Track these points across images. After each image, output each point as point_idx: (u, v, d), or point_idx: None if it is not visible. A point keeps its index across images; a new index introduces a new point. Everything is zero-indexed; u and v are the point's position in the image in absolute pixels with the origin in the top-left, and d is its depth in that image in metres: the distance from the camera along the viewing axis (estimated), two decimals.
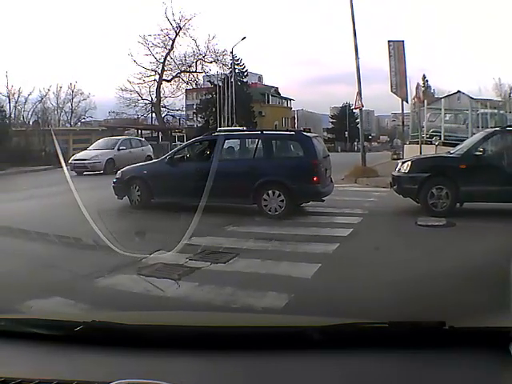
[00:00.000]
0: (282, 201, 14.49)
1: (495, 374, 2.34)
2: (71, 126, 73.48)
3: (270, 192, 14.60)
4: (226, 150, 16.26)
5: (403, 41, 31.28)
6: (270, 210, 14.55)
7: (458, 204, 14.56)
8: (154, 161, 19.29)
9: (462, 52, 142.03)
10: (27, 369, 2.49)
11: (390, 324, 2.62)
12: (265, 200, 14.64)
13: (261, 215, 14.30)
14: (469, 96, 56.56)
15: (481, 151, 14.63)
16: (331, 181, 16.48)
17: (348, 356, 2.48)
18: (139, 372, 2.36)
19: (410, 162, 15.45)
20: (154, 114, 74.92)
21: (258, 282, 7.94)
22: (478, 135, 16.54)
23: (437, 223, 12.96)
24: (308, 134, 16.34)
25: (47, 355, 2.63)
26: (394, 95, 31.18)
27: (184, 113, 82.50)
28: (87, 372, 2.44)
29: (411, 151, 27.66)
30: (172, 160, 16.30)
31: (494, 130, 16.40)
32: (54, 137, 36.38)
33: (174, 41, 71.98)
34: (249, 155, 16.44)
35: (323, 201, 15.43)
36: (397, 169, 15.69)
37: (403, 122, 34.19)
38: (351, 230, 12.24)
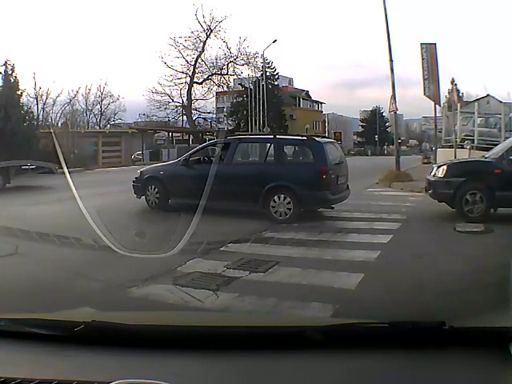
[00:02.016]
0: (290, 206, 14.45)
1: (495, 374, 2.35)
2: (100, 128, 73.82)
3: (277, 197, 14.59)
4: (239, 154, 16.39)
5: (435, 43, 30.85)
6: (278, 215, 14.52)
7: (492, 209, 14.24)
8: (170, 162, 19.35)
9: (489, 56, 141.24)
10: (27, 369, 2.48)
11: (390, 324, 2.62)
12: (273, 205, 14.62)
13: (270, 219, 14.21)
14: (498, 100, 55.90)
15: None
16: (347, 187, 16.36)
17: (348, 356, 2.49)
18: (139, 372, 2.37)
19: (445, 167, 15.19)
20: (184, 117, 75.05)
21: (300, 293, 7.60)
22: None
23: (475, 229, 12.66)
24: (320, 140, 16.13)
25: (47, 355, 2.63)
26: (426, 99, 30.78)
27: (215, 115, 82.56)
28: (87, 372, 2.44)
29: (444, 155, 27.36)
30: (187, 162, 16.49)
31: None
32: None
33: (204, 43, 72.11)
34: (260, 159, 16.48)
35: (333, 208, 15.52)
36: (432, 173, 15.49)
37: (436, 126, 33.75)
38: (391, 236, 11.92)
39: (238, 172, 15.39)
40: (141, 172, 17.47)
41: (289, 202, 14.48)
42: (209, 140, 67.88)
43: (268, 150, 15.87)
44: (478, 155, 24.02)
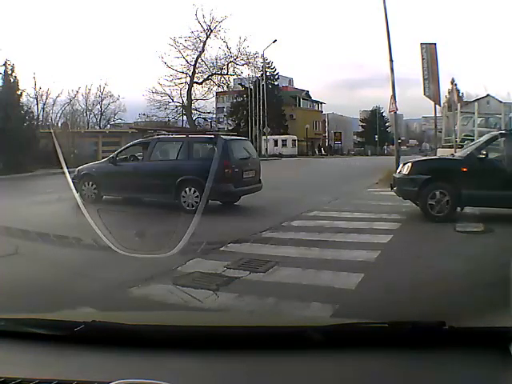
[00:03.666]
0: (197, 197, 15.92)
1: (495, 374, 2.34)
2: (100, 128, 73.77)
3: (188, 189, 16.33)
4: (157, 152, 18.01)
5: (435, 43, 30.88)
6: (186, 205, 16.23)
7: (458, 208, 14.45)
8: (102, 160, 20.94)
9: (489, 56, 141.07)
10: (27, 369, 2.48)
11: (390, 324, 2.62)
12: (183, 196, 16.37)
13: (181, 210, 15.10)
14: (498, 100, 55.88)
15: (484, 154, 14.42)
16: (259, 181, 18.15)
17: (348, 356, 2.49)
18: (139, 372, 2.36)
19: (410, 164, 15.29)
20: (184, 117, 75.08)
21: (300, 293, 7.57)
22: (483, 138, 16.36)
23: (475, 229, 12.65)
24: (225, 138, 18.22)
25: (47, 355, 2.63)
26: (426, 99, 30.78)
27: (215, 115, 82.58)
28: (87, 372, 2.44)
29: (445, 155, 27.36)
30: (114, 160, 18.39)
31: (499, 132, 16.32)
32: None
33: (204, 43, 72.27)
34: (174, 156, 17.95)
35: (236, 201, 17.51)
36: (398, 170, 15.72)
37: (436, 126, 33.76)
38: (391, 236, 11.90)
39: (155, 168, 17.29)
40: (78, 170, 19.09)
41: (197, 196, 16.00)
42: None
43: (180, 148, 17.57)
44: None
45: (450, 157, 16.43)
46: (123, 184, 17.56)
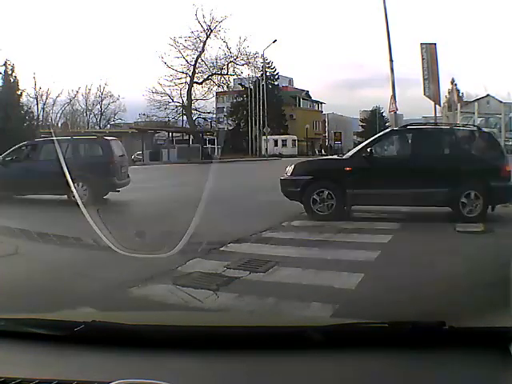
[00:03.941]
0: (86, 190, 17.75)
1: (495, 374, 2.34)
2: (100, 128, 73.83)
3: (76, 184, 16.85)
4: (45, 153, 19.23)
5: (435, 43, 30.91)
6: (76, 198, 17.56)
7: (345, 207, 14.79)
8: None
9: (489, 56, 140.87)
10: (27, 369, 2.48)
11: (390, 324, 2.62)
12: (72, 191, 16.94)
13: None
14: (498, 100, 55.88)
15: (369, 153, 14.78)
16: (128, 176, 20.45)
17: (348, 356, 2.48)
18: (139, 372, 2.35)
19: (293, 165, 15.56)
20: (184, 117, 75.08)
21: (300, 293, 7.57)
22: (374, 137, 16.68)
23: (475, 229, 12.66)
24: (107, 138, 20.90)
25: (47, 355, 2.63)
26: (426, 99, 30.80)
27: (215, 115, 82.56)
28: (87, 372, 2.43)
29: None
30: (3, 161, 19.99)
31: (389, 130, 17.17)
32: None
33: (204, 43, 72.25)
34: (62, 156, 18.06)
35: (119, 191, 19.22)
36: (285, 172, 15.79)
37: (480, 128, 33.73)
38: (391, 236, 11.89)
39: (44, 167, 18.05)
40: None
41: (85, 189, 17.76)
42: (209, 140, 68.26)
43: (67, 148, 18.94)
44: None
45: (336, 157, 17.37)
46: (14, 183, 19.15)
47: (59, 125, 62.14)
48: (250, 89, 69.30)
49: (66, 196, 17.63)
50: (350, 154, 15.94)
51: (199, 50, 72.57)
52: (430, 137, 15.80)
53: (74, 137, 21.68)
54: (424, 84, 30.42)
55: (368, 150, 14.96)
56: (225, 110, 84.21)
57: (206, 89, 76.17)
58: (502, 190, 14.28)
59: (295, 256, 9.93)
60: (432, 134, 16.37)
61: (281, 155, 66.68)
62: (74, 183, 16.34)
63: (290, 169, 15.48)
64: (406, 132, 16.21)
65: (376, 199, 14.51)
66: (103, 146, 19.77)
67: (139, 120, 77.79)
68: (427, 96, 30.48)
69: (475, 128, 17.10)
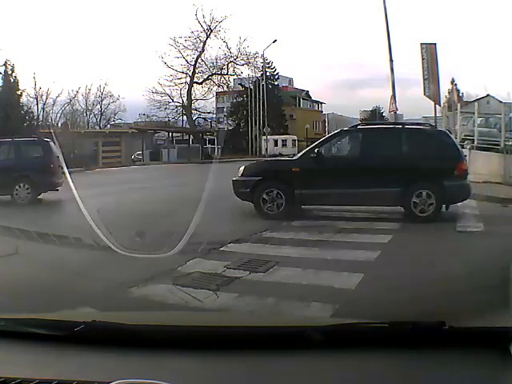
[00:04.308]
0: (28, 189, 19.46)
1: (495, 374, 2.34)
2: (100, 128, 73.77)
3: (21, 184, 19.54)
4: None
5: (435, 43, 30.84)
6: (19, 197, 19.44)
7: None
8: None
9: (489, 56, 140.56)
10: (27, 369, 2.48)
11: (390, 324, 2.63)
12: (17, 189, 19.49)
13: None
14: (498, 100, 55.76)
15: (316, 153, 14.99)
16: (63, 174, 19.53)
17: (348, 356, 2.49)
18: (139, 372, 2.35)
19: (243, 167, 15.90)
20: (184, 117, 75.01)
21: (300, 293, 7.57)
22: (324, 137, 17.12)
23: (475, 229, 12.68)
24: (47, 140, 21.31)
25: (47, 355, 2.63)
26: (426, 99, 30.75)
27: (215, 115, 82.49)
28: (87, 372, 2.44)
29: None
30: None
31: (340, 130, 17.06)
32: None
33: (204, 43, 72.10)
34: (8, 156, 20.83)
35: (58, 190, 19.52)
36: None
37: (436, 126, 33.67)
38: (391, 236, 11.90)
39: None
40: None
41: (27, 188, 19.46)
42: (209, 140, 68.26)
43: (9, 150, 20.81)
44: (478, 155, 24.12)
45: (286, 158, 17.47)
46: None
47: (59, 125, 61.95)
48: (250, 89, 69.26)
49: (9, 196, 19.41)
50: (300, 154, 16.16)
51: (199, 50, 72.52)
52: (381, 136, 15.95)
53: (15, 138, 22.31)
54: (424, 84, 30.36)
55: (316, 150, 15.16)
56: (225, 109, 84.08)
57: (206, 89, 76.14)
58: (457, 188, 14.42)
59: (295, 256, 9.94)
60: (383, 133, 16.53)
61: (281, 155, 66.55)
62: (17, 183, 19.51)
63: (241, 170, 15.76)
64: (357, 132, 16.42)
65: (325, 199, 14.71)
66: (44, 146, 20.77)
67: (139, 120, 77.67)
68: (427, 96, 30.42)
69: (430, 127, 17.28)
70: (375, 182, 14.30)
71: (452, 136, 15.61)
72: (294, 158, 16.29)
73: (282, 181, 14.98)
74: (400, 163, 14.48)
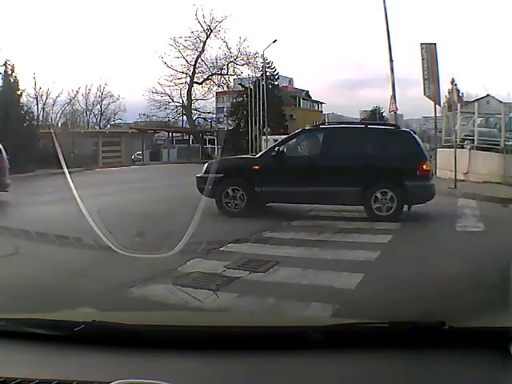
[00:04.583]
0: None
1: (495, 374, 2.34)
2: (100, 128, 73.78)
3: None
4: None
5: (435, 43, 30.80)
6: None
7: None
8: None
9: (489, 56, 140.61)
10: (27, 369, 2.48)
11: (390, 324, 2.63)
12: None
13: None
14: (498, 100, 55.75)
15: (276, 152, 15.23)
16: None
17: (348, 356, 2.49)
18: (139, 372, 2.36)
19: (207, 164, 16.30)
20: (184, 117, 75.05)
21: (300, 293, 7.57)
22: (286, 136, 17.58)
23: (475, 229, 12.71)
24: None
25: (47, 355, 2.63)
26: (426, 99, 30.71)
27: (215, 115, 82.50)
28: (87, 372, 2.44)
29: (444, 155, 27.39)
30: None
31: (302, 129, 17.45)
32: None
33: (204, 43, 72.23)
34: None
35: (7, 191, 19.41)
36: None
37: (436, 126, 33.67)
38: (391, 236, 11.92)
39: None
40: None
41: None
42: (209, 140, 68.29)
43: None
44: (478, 155, 24.14)
45: (245, 156, 18.31)
46: None
47: (59, 125, 61.87)
48: (250, 89, 69.16)
49: None
50: (261, 152, 16.60)
51: (199, 50, 72.60)
52: (343, 136, 16.08)
53: None
54: (424, 84, 30.30)
55: (276, 149, 15.41)
56: (225, 109, 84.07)
57: (206, 89, 76.25)
58: (419, 189, 14.51)
59: (295, 256, 9.92)
60: (345, 133, 16.67)
61: None
62: None
63: (204, 166, 16.05)
64: (318, 131, 16.75)
65: (284, 197, 14.91)
66: None
67: (139, 120, 77.71)
68: (427, 96, 30.36)
69: (393, 127, 17.31)
70: (335, 180, 14.49)
71: (416, 136, 15.69)
72: (256, 155, 16.70)
73: (242, 178, 15.32)
74: (361, 163, 14.68)
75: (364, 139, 15.40)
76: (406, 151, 14.97)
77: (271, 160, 14.94)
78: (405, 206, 14.81)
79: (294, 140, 16.36)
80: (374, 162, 14.53)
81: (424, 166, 14.81)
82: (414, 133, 16.09)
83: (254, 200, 14.87)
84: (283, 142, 16.05)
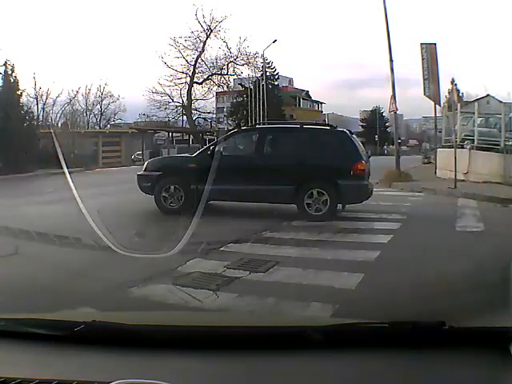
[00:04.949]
0: None
1: (495, 374, 2.33)
2: (100, 128, 73.81)
3: None
4: None
5: (435, 43, 30.80)
6: None
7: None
8: None
9: (489, 56, 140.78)
10: (27, 369, 2.48)
11: (390, 324, 2.62)
12: None
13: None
14: (498, 100, 55.73)
15: (211, 151, 15.62)
16: None
17: (348, 356, 2.48)
18: (139, 372, 2.35)
19: (147, 162, 16.87)
20: (184, 117, 75.04)
21: (300, 293, 7.55)
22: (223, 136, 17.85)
23: (475, 229, 12.71)
24: None
25: (47, 355, 2.63)
26: (426, 99, 30.72)
27: (215, 115, 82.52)
28: (87, 372, 2.44)
29: (444, 155, 27.41)
30: None
31: (237, 129, 18.32)
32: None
33: (204, 43, 72.13)
34: None
35: None
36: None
37: (436, 126, 33.69)
38: (391, 236, 11.89)
39: None
40: None
41: None
42: (209, 140, 68.36)
43: None
44: (478, 155, 24.13)
45: (185, 155, 18.42)
46: None
47: (59, 125, 61.99)
48: (250, 89, 69.19)
49: None
50: (198, 151, 16.63)
51: (199, 50, 72.53)
52: (278, 136, 16.32)
53: None
54: (424, 84, 30.29)
55: (212, 148, 15.89)
56: (225, 109, 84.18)
57: (206, 89, 76.18)
58: (353, 188, 14.66)
59: (295, 256, 9.90)
60: (280, 132, 16.89)
61: None
62: None
63: (144, 165, 16.52)
64: (254, 131, 17.18)
65: (220, 195, 14.95)
66: None
67: (139, 120, 77.74)
68: (427, 96, 30.36)
69: (328, 127, 17.42)
70: (269, 179, 14.72)
71: (353, 137, 15.88)
72: (193, 154, 16.74)
73: (179, 176, 15.64)
74: (294, 162, 14.81)
75: (298, 139, 15.61)
76: (340, 151, 15.19)
77: (207, 159, 14.98)
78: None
79: (230, 139, 16.68)
80: (307, 162, 14.75)
81: (359, 166, 14.92)
82: (351, 133, 16.22)
83: (190, 197, 15.00)
84: (220, 141, 16.69)
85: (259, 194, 14.85)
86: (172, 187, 15.47)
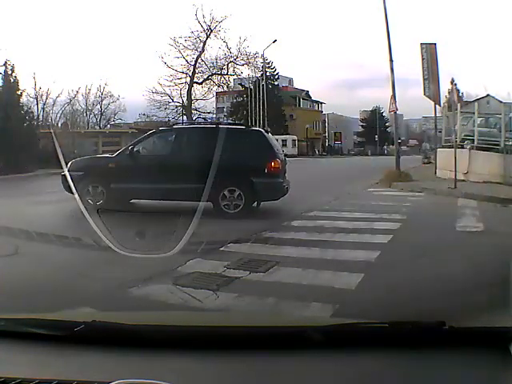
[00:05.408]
0: None
1: (495, 374, 2.34)
2: (100, 128, 73.76)
3: None
4: None
5: (435, 43, 30.77)
6: None
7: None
8: None
9: (489, 56, 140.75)
10: (27, 369, 2.48)
11: (390, 324, 2.63)
12: None
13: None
14: (498, 100, 55.69)
15: (130, 151, 16.06)
16: None
17: (348, 356, 2.48)
18: (139, 372, 2.36)
19: (70, 162, 16.51)
20: (184, 117, 74.99)
21: (300, 293, 7.54)
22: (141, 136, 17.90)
23: (475, 229, 12.71)
24: None
25: (47, 355, 2.63)
26: (426, 99, 30.68)
27: (215, 115, 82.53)
28: (87, 372, 2.44)
29: (444, 155, 27.38)
30: None
31: (155, 129, 18.10)
32: None
33: (204, 43, 72.21)
34: None
35: None
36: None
37: (436, 126, 33.65)
38: (391, 236, 11.85)
39: None
40: None
41: None
42: None
43: None
44: (478, 155, 24.11)
45: (107, 155, 18.55)
46: None
47: (59, 125, 61.95)
48: (250, 89, 69.31)
49: None
50: (118, 152, 16.96)
51: (199, 50, 72.59)
52: (193, 136, 16.87)
53: None
54: (424, 84, 30.24)
55: (131, 148, 16.20)
56: (225, 109, 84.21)
57: (206, 89, 76.22)
58: (266, 186, 15.13)
59: (295, 256, 9.86)
60: (196, 133, 17.48)
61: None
62: None
63: (68, 165, 16.23)
64: (170, 131, 17.65)
65: (138, 194, 15.66)
66: None
67: (139, 120, 77.75)
68: (427, 96, 30.32)
69: (244, 127, 18.33)
70: (185, 178, 14.77)
71: (267, 135, 16.36)
72: (113, 155, 17.02)
73: (100, 176, 15.93)
74: (209, 161, 14.85)
75: (214, 139, 15.54)
76: (255, 150, 15.56)
77: (126, 158, 15.61)
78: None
79: (148, 139, 16.99)
80: (222, 161, 14.78)
81: (273, 164, 15.31)
82: (268, 132, 16.52)
83: (111, 196, 15.44)
84: (138, 141, 16.76)
85: (175, 192, 15.13)
86: (94, 186, 15.83)
